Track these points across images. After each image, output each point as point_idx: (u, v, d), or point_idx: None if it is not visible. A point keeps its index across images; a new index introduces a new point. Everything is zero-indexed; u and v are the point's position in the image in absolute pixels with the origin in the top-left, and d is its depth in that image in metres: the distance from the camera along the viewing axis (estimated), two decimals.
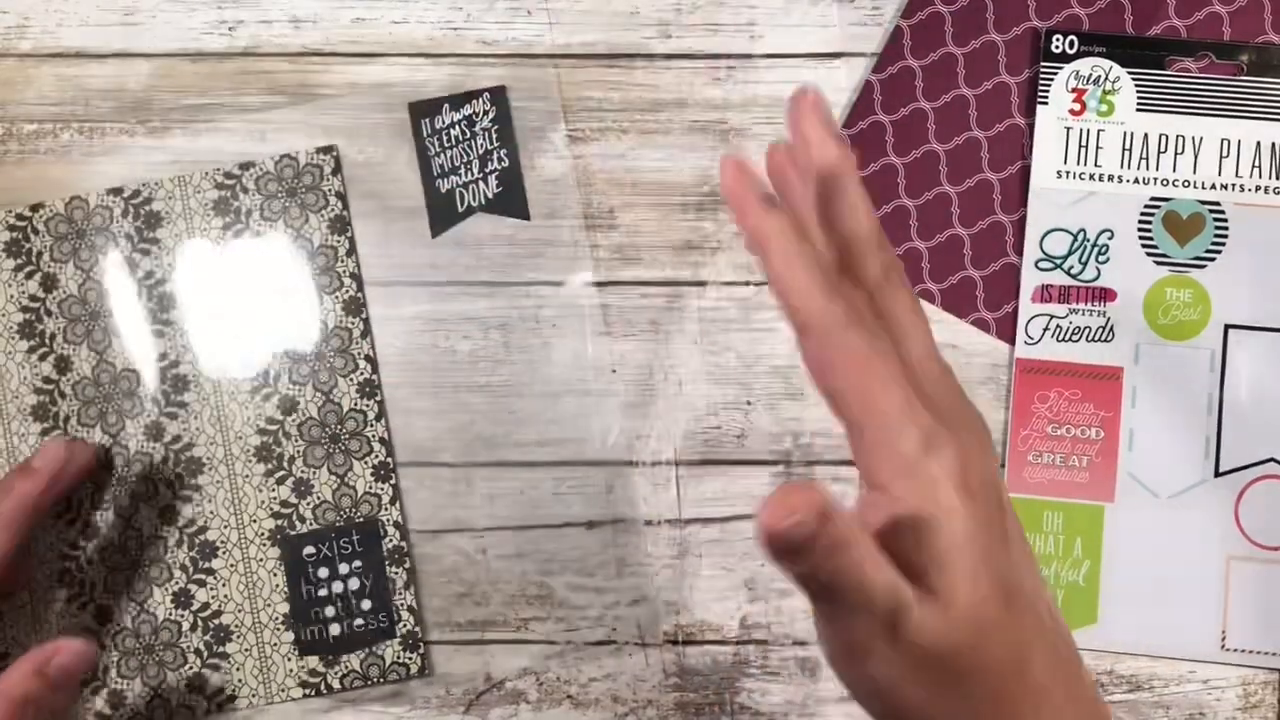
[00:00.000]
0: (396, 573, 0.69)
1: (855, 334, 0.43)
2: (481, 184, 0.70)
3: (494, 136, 0.70)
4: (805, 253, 0.44)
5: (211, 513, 0.69)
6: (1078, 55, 0.69)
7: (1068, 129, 0.69)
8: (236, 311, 0.70)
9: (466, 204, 0.70)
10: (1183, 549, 0.68)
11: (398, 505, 0.69)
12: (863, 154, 0.70)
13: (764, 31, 0.70)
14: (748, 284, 0.70)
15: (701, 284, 0.70)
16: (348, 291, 0.70)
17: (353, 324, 0.70)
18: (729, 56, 0.71)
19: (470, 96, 0.70)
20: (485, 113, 0.70)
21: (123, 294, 0.69)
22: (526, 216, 0.70)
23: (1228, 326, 0.69)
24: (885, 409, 0.43)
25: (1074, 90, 0.69)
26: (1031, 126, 0.69)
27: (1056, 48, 0.69)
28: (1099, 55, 0.69)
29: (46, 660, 0.61)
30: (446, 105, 0.70)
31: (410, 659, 0.68)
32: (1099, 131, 0.69)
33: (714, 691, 0.69)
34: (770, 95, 0.70)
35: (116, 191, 0.70)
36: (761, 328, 0.70)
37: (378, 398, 0.69)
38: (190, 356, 0.69)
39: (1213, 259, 0.69)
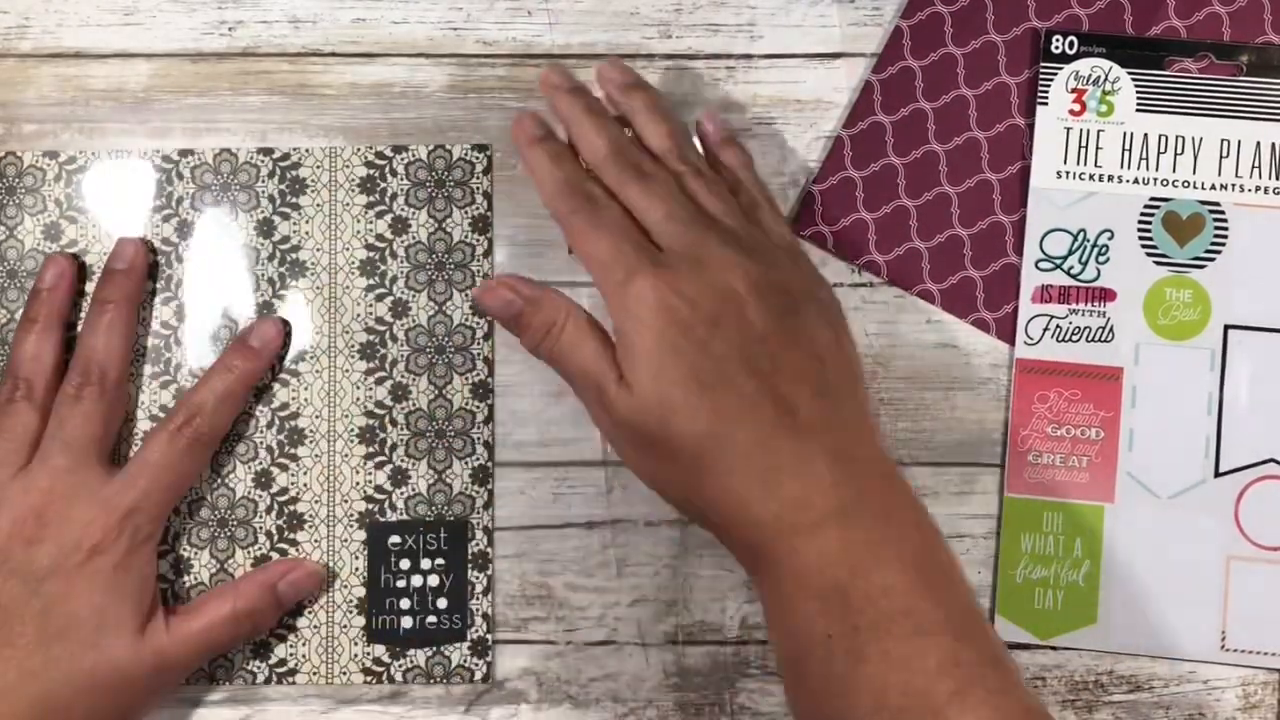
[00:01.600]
0: (478, 577, 0.69)
1: (579, 217, 0.62)
2: None
3: None
4: (552, 162, 0.64)
5: (305, 485, 0.69)
6: (1078, 56, 0.69)
7: (1067, 129, 0.69)
8: (364, 291, 0.70)
9: None
10: (1183, 549, 0.68)
11: (490, 511, 0.69)
12: (863, 154, 0.70)
13: (764, 31, 0.70)
14: None
15: None
16: None
17: (477, 324, 0.69)
18: (729, 56, 0.71)
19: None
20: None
21: (255, 254, 0.70)
22: None
23: (1227, 327, 0.69)
24: (598, 258, 0.61)
25: (1074, 90, 0.69)
26: (1031, 127, 0.69)
27: (1056, 48, 0.69)
28: (1099, 55, 0.69)
29: (281, 576, 0.67)
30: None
31: (477, 665, 0.69)
32: (1099, 132, 0.69)
33: (714, 691, 0.69)
34: (770, 95, 0.70)
35: (267, 151, 0.70)
36: None
37: (489, 401, 0.69)
38: (310, 327, 0.69)
39: (1212, 259, 0.69)
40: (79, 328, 0.68)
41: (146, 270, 0.68)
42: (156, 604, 0.65)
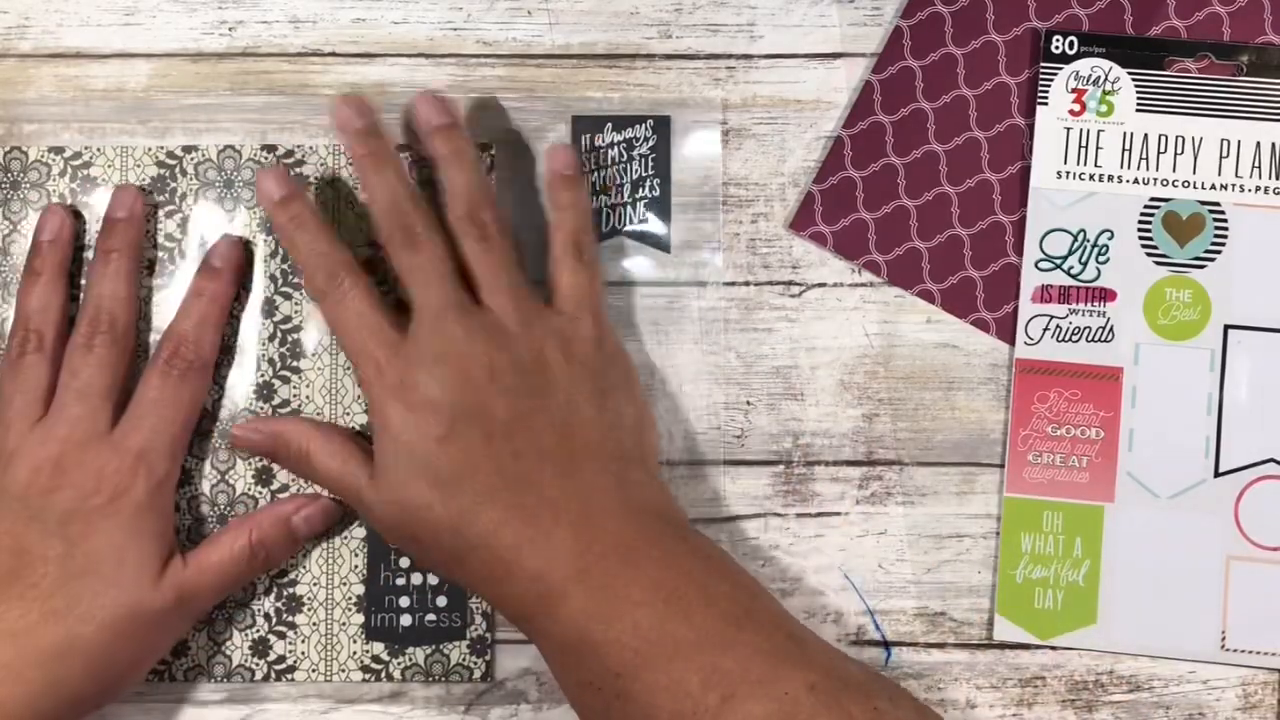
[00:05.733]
0: None
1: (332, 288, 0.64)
2: (629, 209, 0.70)
3: (650, 164, 0.70)
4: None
5: (305, 482, 0.69)
6: (1078, 56, 0.69)
7: (1067, 129, 0.69)
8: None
9: (611, 225, 0.70)
10: (1183, 549, 0.68)
11: None
12: (863, 154, 0.70)
13: (764, 31, 0.70)
14: (748, 284, 0.70)
15: (701, 284, 0.70)
16: None
17: None
18: (729, 56, 0.71)
19: (634, 121, 0.70)
20: (645, 139, 0.70)
21: (257, 250, 0.69)
22: (668, 249, 0.70)
23: (1227, 327, 0.69)
24: (346, 339, 0.65)
25: (1074, 91, 0.69)
26: (1031, 127, 0.69)
27: (1056, 48, 0.69)
28: (1099, 56, 0.69)
29: (297, 510, 0.67)
30: (610, 125, 0.70)
31: (476, 663, 0.68)
32: (1099, 132, 0.69)
33: None
34: (770, 95, 0.70)
35: (270, 148, 0.70)
36: (761, 328, 0.70)
37: None
38: (313, 325, 0.69)
39: (1212, 259, 0.69)
40: (82, 279, 0.69)
41: (145, 217, 0.69)
42: (174, 543, 0.66)
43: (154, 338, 0.69)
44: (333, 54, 0.70)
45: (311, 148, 0.70)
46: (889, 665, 0.69)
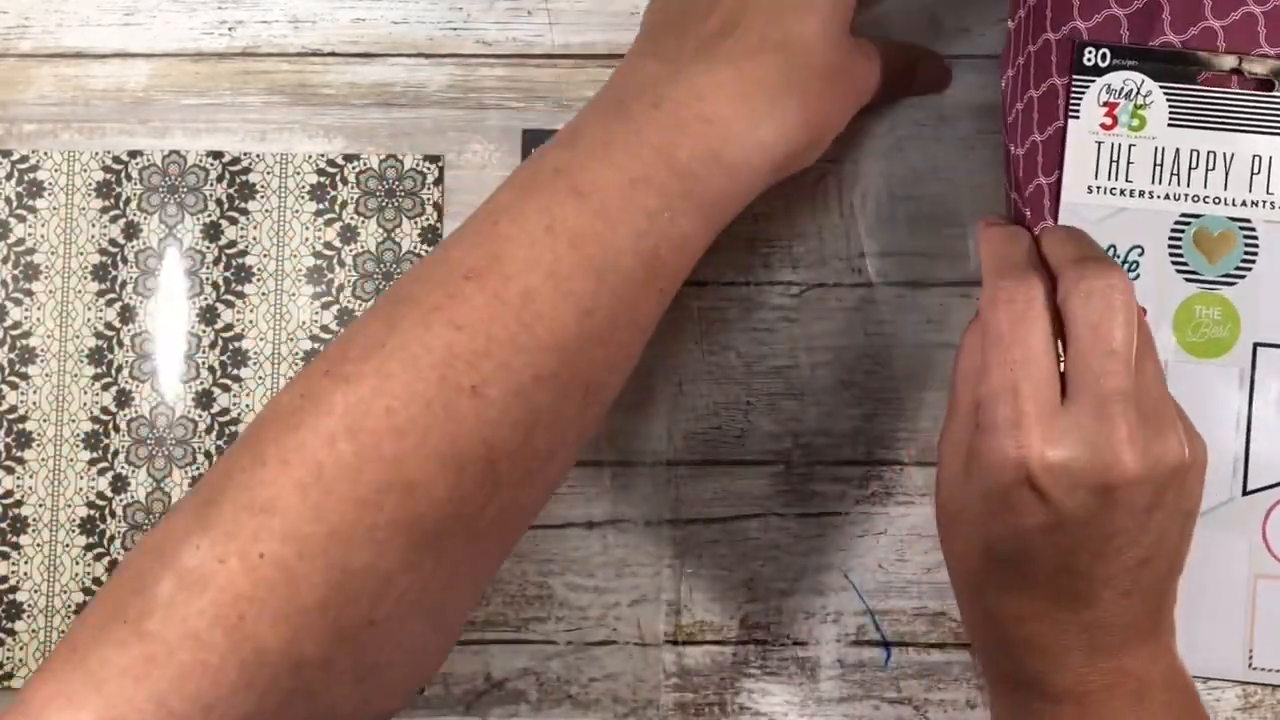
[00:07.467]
0: None
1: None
2: None
3: None
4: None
5: None
6: (1110, 68, 0.65)
7: (1099, 143, 0.66)
8: (310, 299, 0.70)
9: None
10: (1210, 567, 0.67)
11: None
12: None
13: None
14: (748, 284, 0.69)
15: (702, 284, 0.69)
16: None
17: None
18: None
19: None
20: None
21: (201, 257, 0.70)
22: None
23: (1257, 345, 0.66)
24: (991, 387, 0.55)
25: (1105, 105, 0.65)
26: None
27: (1089, 60, 0.65)
28: (1131, 69, 0.65)
29: None
30: None
31: None
32: (1130, 146, 0.65)
33: (714, 691, 0.71)
34: None
35: (217, 155, 0.70)
36: (762, 328, 0.69)
37: None
38: (255, 333, 0.70)
39: (1242, 276, 0.66)
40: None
41: None
42: None
43: (95, 342, 0.70)
44: (332, 54, 0.69)
45: (259, 155, 0.69)
46: (889, 665, 0.70)
